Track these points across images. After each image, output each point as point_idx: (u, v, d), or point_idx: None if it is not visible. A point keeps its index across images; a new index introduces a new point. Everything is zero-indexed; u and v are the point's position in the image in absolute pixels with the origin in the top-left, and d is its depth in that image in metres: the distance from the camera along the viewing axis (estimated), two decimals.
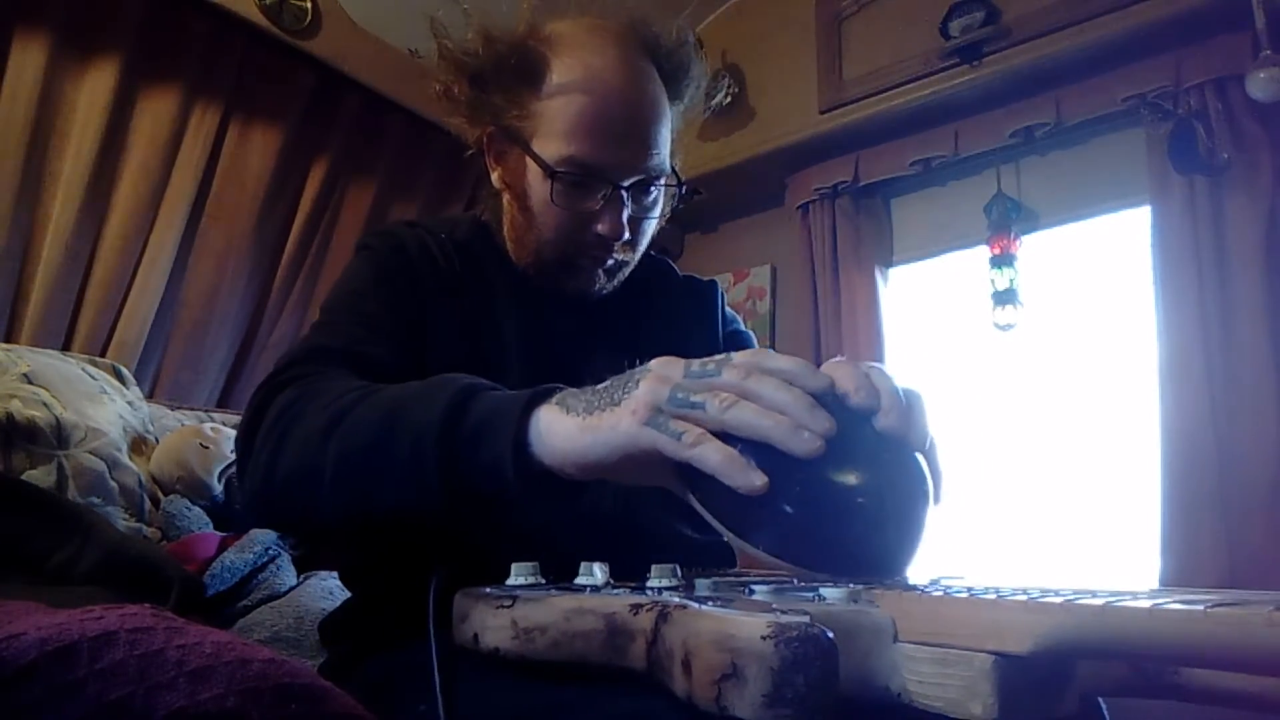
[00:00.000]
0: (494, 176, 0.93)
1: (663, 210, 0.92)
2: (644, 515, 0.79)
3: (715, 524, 0.51)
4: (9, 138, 1.60)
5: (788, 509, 0.48)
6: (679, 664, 0.36)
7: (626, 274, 0.92)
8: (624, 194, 0.84)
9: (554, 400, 0.55)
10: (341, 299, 0.83)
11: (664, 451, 0.50)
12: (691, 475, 0.50)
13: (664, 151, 0.87)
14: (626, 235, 0.85)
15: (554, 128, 0.83)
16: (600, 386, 0.55)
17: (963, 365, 2.36)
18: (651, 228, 0.91)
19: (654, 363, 0.54)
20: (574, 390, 0.56)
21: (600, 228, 0.84)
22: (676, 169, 0.91)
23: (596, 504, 0.63)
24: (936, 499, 0.54)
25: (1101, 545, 2.02)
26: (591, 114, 0.82)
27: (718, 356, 0.53)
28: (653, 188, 0.88)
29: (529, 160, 0.85)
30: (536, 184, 0.85)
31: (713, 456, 0.48)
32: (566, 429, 0.53)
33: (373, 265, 0.85)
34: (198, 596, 1.12)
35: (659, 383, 0.51)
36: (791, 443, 0.47)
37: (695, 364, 0.53)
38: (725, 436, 0.49)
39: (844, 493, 0.48)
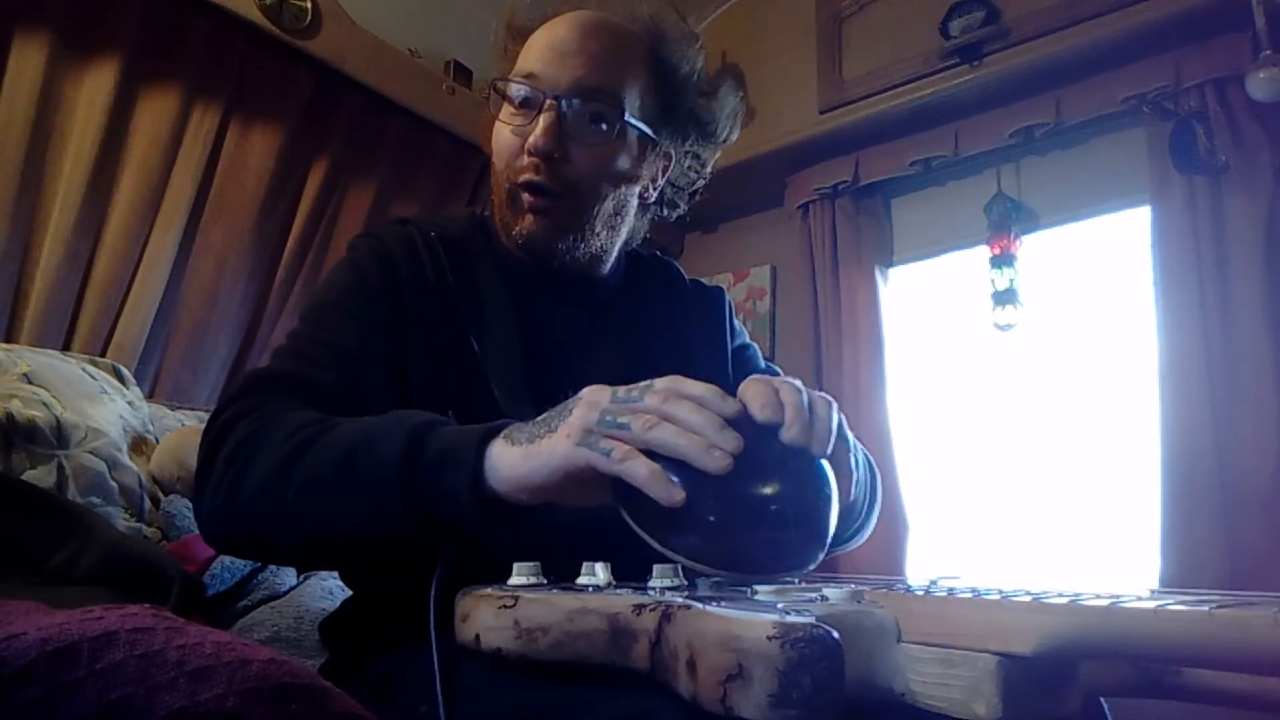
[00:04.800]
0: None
1: (622, 164, 0.89)
2: None
3: (641, 533, 0.56)
4: (9, 138, 1.59)
5: (704, 518, 0.54)
6: (683, 664, 0.36)
7: (566, 219, 0.86)
8: (560, 107, 0.84)
9: (502, 435, 0.61)
10: (313, 311, 0.84)
11: (596, 467, 0.55)
12: (621, 491, 0.56)
13: (616, 80, 0.87)
14: (545, 144, 0.83)
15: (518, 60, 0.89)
16: (540, 418, 0.61)
17: (963, 365, 2.36)
18: (592, 161, 0.86)
19: (585, 391, 0.60)
20: (519, 424, 0.61)
21: (529, 142, 0.84)
22: (637, 122, 0.88)
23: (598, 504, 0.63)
24: (853, 496, 0.62)
25: (1101, 545, 2.02)
26: (541, 36, 0.88)
27: (642, 384, 0.59)
28: (598, 116, 0.86)
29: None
30: (497, 123, 0.89)
31: (639, 470, 0.54)
32: (512, 459, 0.59)
33: (352, 272, 0.85)
34: (198, 596, 1.12)
35: (589, 408, 0.58)
36: (704, 460, 0.53)
37: (621, 390, 0.59)
38: (651, 455, 0.55)
39: (753, 501, 0.55)
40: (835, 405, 0.63)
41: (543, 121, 0.83)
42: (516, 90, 0.87)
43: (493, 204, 0.92)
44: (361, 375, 0.78)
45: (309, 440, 0.65)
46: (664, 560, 0.55)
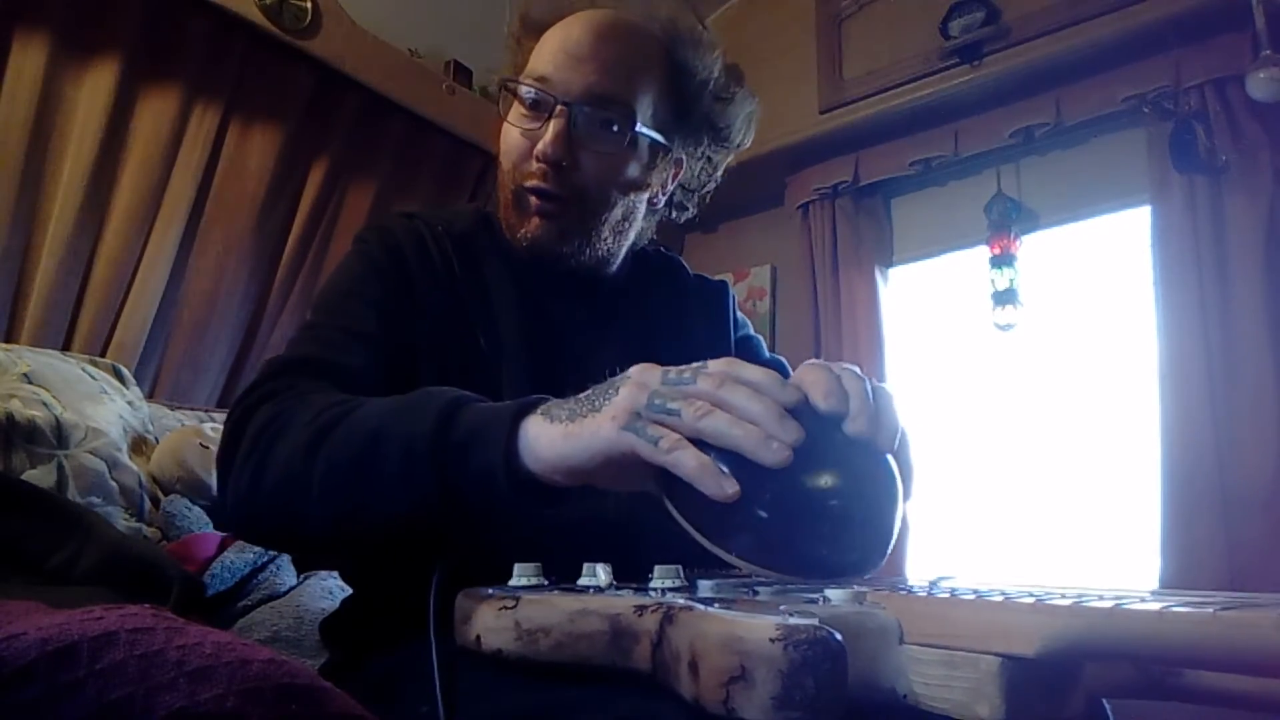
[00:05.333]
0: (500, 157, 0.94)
1: (632, 172, 0.87)
2: (647, 516, 0.79)
3: (689, 529, 0.52)
4: (9, 138, 1.59)
5: (759, 514, 0.50)
6: (685, 666, 0.36)
7: (573, 225, 0.85)
8: (570, 113, 0.82)
9: (539, 411, 0.58)
10: (328, 300, 0.83)
11: (641, 455, 0.52)
12: (667, 480, 0.52)
13: (629, 88, 0.85)
14: (554, 152, 0.81)
15: (535, 56, 0.87)
16: (583, 395, 0.57)
17: (963, 365, 2.36)
18: (602, 170, 0.85)
19: (633, 370, 0.56)
20: (558, 400, 0.58)
21: (537, 148, 0.82)
22: (649, 130, 0.87)
23: (599, 505, 0.63)
24: (906, 497, 0.56)
25: (1101, 546, 2.02)
26: (554, 36, 0.86)
27: (694, 365, 0.55)
28: (610, 124, 0.84)
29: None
30: (507, 120, 0.87)
31: (688, 463, 0.50)
32: (551, 437, 0.55)
33: (364, 262, 0.84)
34: (198, 596, 1.12)
35: (638, 389, 0.54)
36: (761, 452, 0.49)
37: (672, 372, 0.54)
38: (700, 443, 0.51)
39: (814, 498, 0.50)
40: (896, 397, 0.58)
41: (553, 128, 0.82)
42: (526, 92, 0.85)
43: (498, 202, 0.92)
44: (383, 358, 0.77)
45: (334, 420, 0.64)
46: (713, 558, 0.51)
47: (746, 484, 0.49)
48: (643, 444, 0.52)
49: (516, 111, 0.87)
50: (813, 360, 0.58)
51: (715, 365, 0.54)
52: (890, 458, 0.54)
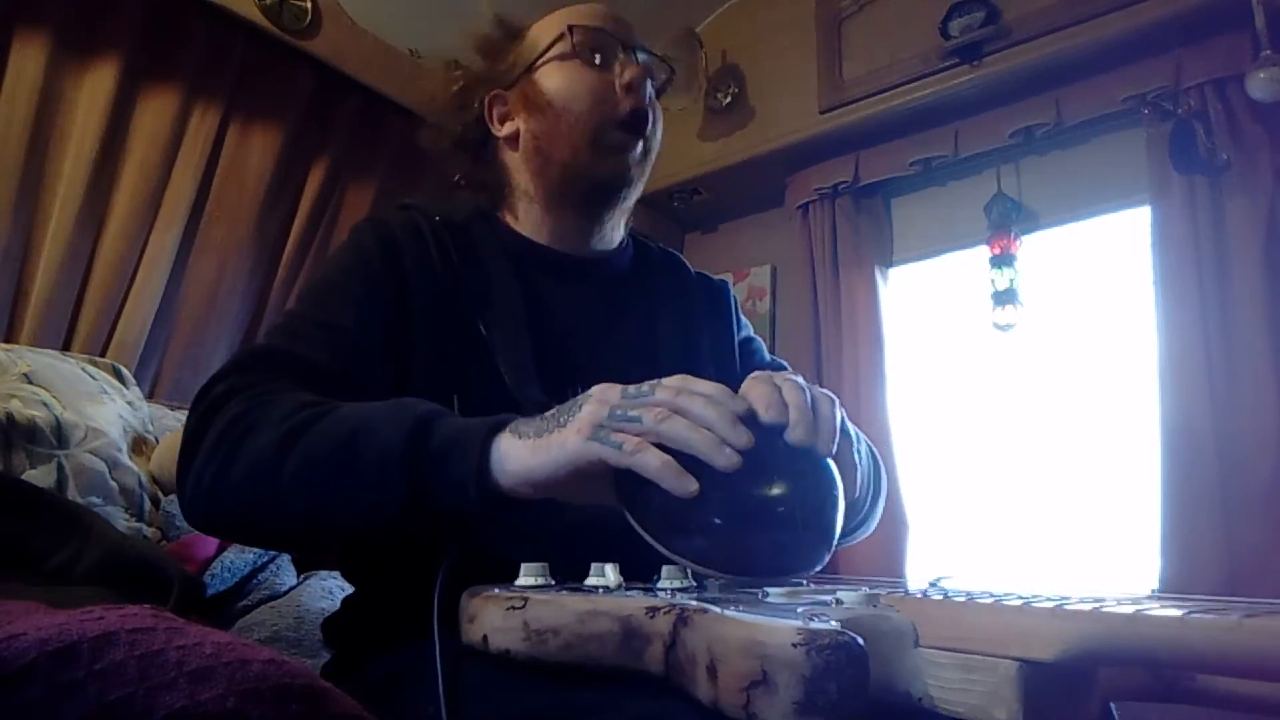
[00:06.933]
0: (503, 133, 0.96)
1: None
2: None
3: (646, 536, 0.56)
4: (9, 138, 1.59)
5: (710, 520, 0.54)
6: (703, 669, 0.35)
7: (646, 157, 0.93)
8: (637, 55, 0.92)
9: (508, 428, 0.61)
10: (310, 291, 0.84)
11: (607, 460, 0.55)
12: (626, 493, 0.56)
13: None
14: (645, 75, 0.91)
15: (548, 31, 0.93)
16: (548, 414, 0.60)
17: (963, 365, 2.36)
18: (660, 119, 0.95)
19: (595, 389, 0.60)
20: (525, 419, 0.61)
21: (624, 79, 0.89)
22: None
23: (604, 506, 0.63)
24: (850, 491, 0.62)
25: (1101, 545, 2.02)
26: (564, 13, 0.94)
27: (650, 381, 0.59)
28: (656, 71, 0.95)
29: (538, 69, 0.93)
30: (554, 75, 0.92)
31: (652, 461, 0.53)
32: (519, 452, 0.59)
33: (353, 255, 0.85)
34: (198, 596, 1.12)
35: (600, 405, 0.58)
36: (715, 456, 0.53)
37: (631, 388, 0.59)
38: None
39: (760, 503, 0.54)
40: (837, 401, 0.62)
41: (636, 67, 0.90)
42: (583, 46, 0.91)
43: (499, 198, 0.94)
44: (358, 357, 0.77)
45: (307, 422, 0.64)
46: (669, 563, 0.54)
47: (699, 491, 0.53)
48: (607, 450, 0.55)
49: (576, 64, 0.92)
50: (756, 373, 0.62)
51: (671, 380, 0.58)
52: (830, 461, 0.58)
